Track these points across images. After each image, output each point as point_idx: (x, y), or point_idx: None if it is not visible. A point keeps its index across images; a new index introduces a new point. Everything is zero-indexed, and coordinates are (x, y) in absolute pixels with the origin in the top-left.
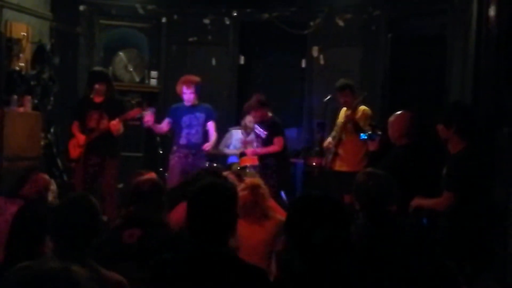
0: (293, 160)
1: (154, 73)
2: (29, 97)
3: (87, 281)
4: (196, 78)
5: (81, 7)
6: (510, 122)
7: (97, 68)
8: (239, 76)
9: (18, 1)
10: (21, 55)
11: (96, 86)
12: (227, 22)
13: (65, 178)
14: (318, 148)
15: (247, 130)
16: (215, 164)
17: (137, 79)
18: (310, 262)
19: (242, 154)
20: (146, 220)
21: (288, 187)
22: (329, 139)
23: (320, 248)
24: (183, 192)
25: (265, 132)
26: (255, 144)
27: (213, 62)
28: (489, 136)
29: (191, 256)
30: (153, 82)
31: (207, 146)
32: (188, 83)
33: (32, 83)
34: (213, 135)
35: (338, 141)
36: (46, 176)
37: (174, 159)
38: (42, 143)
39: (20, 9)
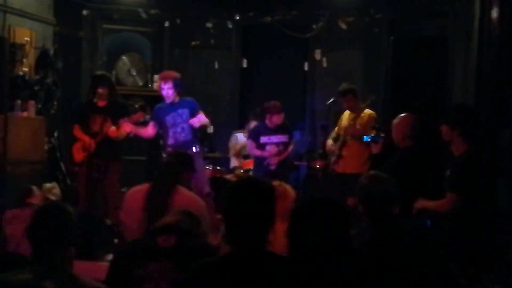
0: (296, 163)
1: (157, 77)
2: (32, 102)
3: None
4: (174, 73)
5: (84, 12)
6: None
7: (99, 72)
8: (242, 80)
9: (21, 6)
10: (24, 60)
11: (99, 90)
12: (230, 26)
13: (68, 182)
14: (321, 150)
15: None
16: (218, 168)
17: (140, 83)
18: (310, 264)
19: (246, 157)
20: (182, 229)
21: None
22: (330, 141)
23: (319, 250)
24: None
25: (286, 135)
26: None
27: (216, 65)
28: (491, 138)
29: (234, 255)
30: (156, 86)
31: (194, 121)
32: (165, 78)
33: (35, 88)
34: (205, 120)
35: (342, 144)
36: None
37: None
38: (46, 147)
39: (23, 14)
